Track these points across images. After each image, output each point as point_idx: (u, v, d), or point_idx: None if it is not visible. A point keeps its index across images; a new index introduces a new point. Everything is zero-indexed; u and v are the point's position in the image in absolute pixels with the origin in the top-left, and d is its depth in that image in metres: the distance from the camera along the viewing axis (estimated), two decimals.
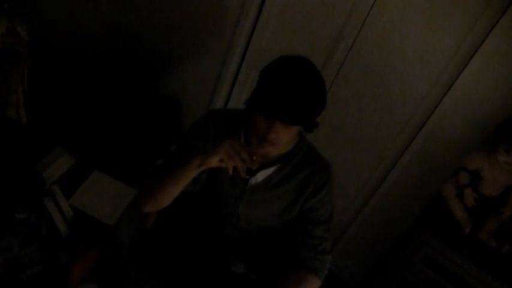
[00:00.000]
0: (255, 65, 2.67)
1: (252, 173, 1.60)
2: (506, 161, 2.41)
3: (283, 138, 1.43)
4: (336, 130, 2.67)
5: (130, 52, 2.89)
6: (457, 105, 2.36)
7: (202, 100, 2.91)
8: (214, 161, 1.44)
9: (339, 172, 2.73)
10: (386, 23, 2.33)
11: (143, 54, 2.90)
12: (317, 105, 1.40)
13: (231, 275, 1.81)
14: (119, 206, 1.93)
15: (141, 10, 2.79)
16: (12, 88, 1.96)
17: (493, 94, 2.29)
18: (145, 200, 1.62)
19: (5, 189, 1.67)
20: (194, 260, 1.77)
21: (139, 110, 2.77)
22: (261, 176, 1.61)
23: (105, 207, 1.88)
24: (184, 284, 1.71)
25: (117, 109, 2.71)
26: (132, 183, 2.04)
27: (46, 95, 2.46)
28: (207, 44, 2.72)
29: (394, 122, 2.53)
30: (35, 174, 1.79)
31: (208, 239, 1.78)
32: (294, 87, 1.33)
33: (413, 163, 2.57)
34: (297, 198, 1.64)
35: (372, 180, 2.74)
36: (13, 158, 1.83)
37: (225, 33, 2.66)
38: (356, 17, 2.36)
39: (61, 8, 2.92)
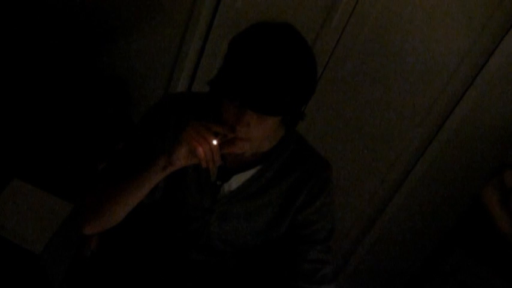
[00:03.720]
0: (228, 32, 2.69)
1: (223, 177, 1.62)
2: None
3: (256, 132, 1.43)
4: (334, 121, 2.70)
5: (62, 21, 2.88)
6: (499, 81, 2.40)
7: (158, 82, 2.92)
8: (182, 157, 1.45)
9: (342, 177, 2.77)
10: None
11: (79, 23, 2.89)
12: (302, 89, 1.40)
13: None
14: (49, 227, 1.93)
15: None
16: None
17: None
18: (87, 217, 1.60)
19: None
20: None
21: (74, 97, 2.77)
22: (236, 181, 1.63)
23: (29, 228, 1.88)
24: None
25: (45, 96, 2.70)
26: (67, 195, 2.04)
27: None
28: (164, 4, 2.73)
29: (412, 106, 2.57)
30: None
31: (171, 265, 1.80)
32: (272, 65, 1.32)
33: (439, 161, 2.62)
34: (285, 209, 1.66)
35: (385, 185, 2.79)
36: None
37: None
38: None
39: None
